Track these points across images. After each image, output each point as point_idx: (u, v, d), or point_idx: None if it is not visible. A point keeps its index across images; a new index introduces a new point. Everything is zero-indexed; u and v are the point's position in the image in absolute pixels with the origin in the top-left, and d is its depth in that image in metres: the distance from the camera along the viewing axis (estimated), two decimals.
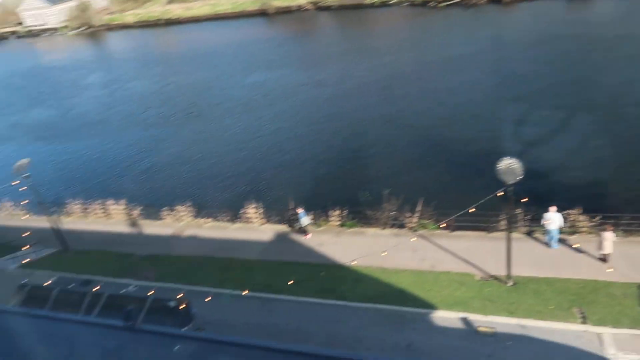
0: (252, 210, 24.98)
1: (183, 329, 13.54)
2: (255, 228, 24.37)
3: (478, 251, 19.26)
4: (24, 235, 24.81)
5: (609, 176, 25.84)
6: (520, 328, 14.85)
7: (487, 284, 17.32)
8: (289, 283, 18.41)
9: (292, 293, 18.13)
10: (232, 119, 44.42)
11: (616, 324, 14.56)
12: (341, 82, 49.69)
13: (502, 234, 18.73)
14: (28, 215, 28.77)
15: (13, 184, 24.25)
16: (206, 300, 17.54)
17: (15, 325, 11.33)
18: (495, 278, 17.48)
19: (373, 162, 31.87)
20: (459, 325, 15.41)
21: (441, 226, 21.14)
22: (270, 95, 49.22)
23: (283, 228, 23.83)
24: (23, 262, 23.55)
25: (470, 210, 18.54)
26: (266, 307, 17.62)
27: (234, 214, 25.43)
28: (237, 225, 24.99)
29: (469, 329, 15.15)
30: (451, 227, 21.16)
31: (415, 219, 22.19)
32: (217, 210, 26.07)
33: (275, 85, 52.43)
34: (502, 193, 15.62)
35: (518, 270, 17.18)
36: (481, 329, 14.98)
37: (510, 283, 17.01)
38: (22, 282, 17.90)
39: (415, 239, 20.75)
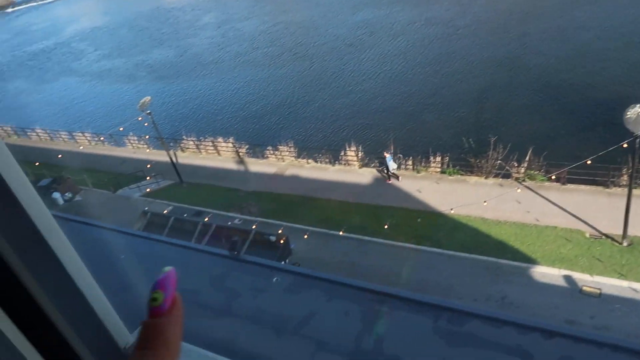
0: (352, 153, 25.17)
1: (281, 262, 14.40)
2: (354, 171, 24.60)
3: (591, 207, 17.81)
4: (147, 167, 27.44)
5: None
6: (631, 292, 13.76)
7: (597, 242, 16.10)
8: (384, 226, 18.58)
9: (388, 237, 18.31)
10: (337, 60, 44.08)
11: None
12: (453, 20, 46.72)
13: (622, 190, 17.13)
14: (149, 149, 31.68)
15: (138, 119, 26.71)
16: (304, 237, 18.37)
17: (139, 246, 12.82)
18: (608, 237, 16.15)
19: (481, 106, 30.11)
20: (561, 282, 14.65)
21: (551, 178, 19.73)
22: (376, 35, 47.87)
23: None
24: (145, 191, 26.22)
25: (587, 162, 17.02)
26: (361, 248, 18.06)
27: (334, 156, 25.82)
28: (337, 167, 25.38)
29: (572, 288, 14.35)
30: (562, 180, 19.67)
31: (522, 169, 20.92)
32: (318, 152, 26.65)
33: (382, 23, 50.76)
34: (627, 144, 14.13)
35: (636, 231, 15.70)
36: (586, 288, 14.12)
37: (626, 243, 15.63)
38: (144, 209, 20.04)
39: (521, 190, 19.64)
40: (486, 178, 21.43)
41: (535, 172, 20.67)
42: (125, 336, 1.16)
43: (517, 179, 20.74)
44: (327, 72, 42.01)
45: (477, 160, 21.74)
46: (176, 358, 0.81)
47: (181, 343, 0.82)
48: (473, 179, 21.59)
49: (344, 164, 25.37)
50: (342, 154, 25.44)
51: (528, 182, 20.32)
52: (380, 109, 33.16)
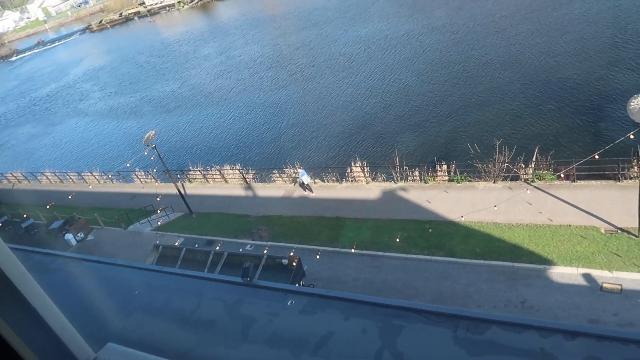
0: (358, 169, 25.18)
1: (295, 285, 14.30)
2: (362, 187, 24.58)
3: (604, 202, 17.59)
4: (157, 199, 27.62)
5: None
6: None
7: (614, 237, 15.85)
8: (396, 240, 18.46)
9: (400, 250, 18.18)
10: (336, 77, 44.48)
11: None
12: (446, 26, 47.11)
13: (634, 182, 16.92)
14: (157, 183, 31.94)
15: (144, 154, 27.00)
16: (316, 257, 18.28)
17: (152, 280, 12.82)
18: (624, 231, 15.91)
19: (483, 110, 30.13)
20: (581, 281, 14.39)
21: (560, 176, 19.54)
22: (372, 49, 48.39)
23: (389, 185, 23.76)
24: (156, 225, 26.34)
25: (595, 157, 16.86)
26: (374, 264, 17.92)
27: (341, 174, 25.85)
28: (345, 184, 25.39)
29: (592, 286, 14.09)
30: (572, 177, 19.48)
31: (530, 170, 20.78)
32: (324, 171, 26.70)
33: (376, 37, 51.34)
34: (634, 136, 13.98)
35: None
36: (606, 285, 13.86)
37: None
38: (156, 243, 20.10)
39: (530, 191, 19.47)
40: (495, 182, 21.30)
41: (544, 172, 20.52)
42: (87, 353, 1.19)
43: (525, 181, 20.59)
44: (326, 90, 42.37)
45: (484, 165, 21.63)
46: None
47: None
48: (482, 184, 21.47)
49: (352, 181, 25.37)
50: (349, 170, 25.47)
51: (537, 183, 20.16)
52: (382, 123, 33.26)
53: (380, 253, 18.42)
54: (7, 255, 0.96)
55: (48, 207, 30.61)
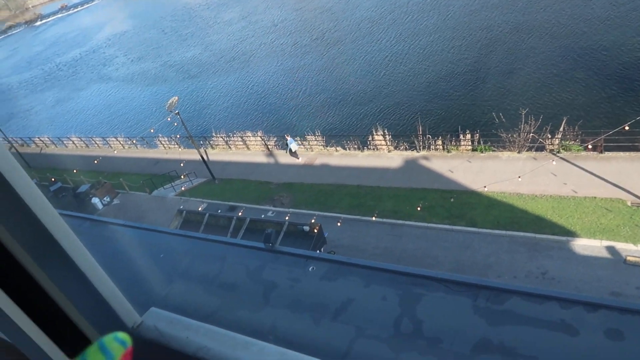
0: (380, 138, 25.00)
1: (316, 252, 14.50)
2: (384, 155, 24.43)
3: (632, 174, 17.16)
4: (180, 165, 28.02)
5: None
6: None
7: None
8: (417, 209, 18.43)
9: (421, 219, 18.16)
10: (361, 43, 43.66)
11: None
12: None
13: None
14: (180, 148, 32.30)
15: (167, 119, 27.24)
16: (337, 224, 18.42)
17: (177, 244, 13.16)
18: None
19: (509, 78, 29.34)
20: (604, 254, 14.23)
21: (588, 147, 19.10)
22: (400, 12, 47.18)
23: (412, 154, 23.57)
24: (180, 190, 26.79)
25: (625, 128, 16.39)
26: (395, 232, 17.97)
27: (363, 142, 25.72)
28: (366, 153, 25.26)
29: (615, 259, 13.92)
30: (599, 148, 19.00)
31: (556, 140, 20.32)
32: (346, 139, 26.59)
33: (404, 0, 49.98)
34: None
35: None
36: (630, 258, 13.68)
37: None
38: (180, 208, 20.48)
39: (556, 162, 19.08)
40: (519, 152, 20.92)
41: (571, 143, 20.06)
42: (134, 317, 1.24)
43: (551, 151, 20.18)
44: (349, 56, 41.71)
45: (509, 135, 21.23)
46: None
47: None
48: (505, 154, 21.12)
49: (373, 149, 25.23)
50: (371, 139, 25.30)
51: (563, 154, 19.74)
52: (405, 90, 32.73)
53: (401, 222, 18.44)
54: (58, 221, 0.99)
55: (75, 171, 31.33)
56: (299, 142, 27.15)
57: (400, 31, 42.85)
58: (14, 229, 0.94)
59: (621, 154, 18.59)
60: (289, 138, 26.11)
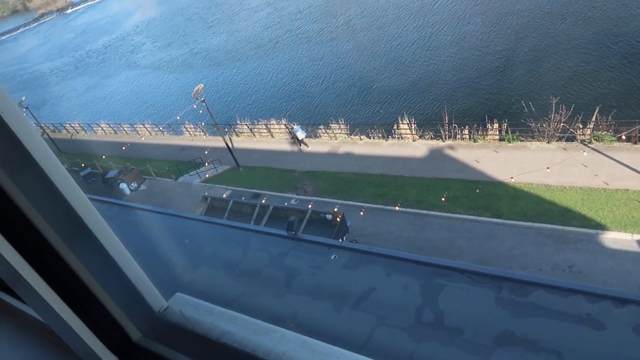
0: (405, 127, 24.75)
1: (339, 240, 14.54)
2: (408, 144, 24.22)
3: None
4: (205, 153, 28.35)
5: None
6: None
7: None
8: (441, 199, 18.26)
9: (445, 209, 17.99)
10: (384, 29, 43.16)
11: None
12: None
13: None
14: (206, 136, 32.65)
15: (193, 107, 27.55)
16: (360, 213, 18.40)
17: (201, 230, 13.37)
18: None
19: (540, 66, 28.59)
20: (635, 248, 13.86)
21: (621, 138, 18.55)
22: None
23: (437, 143, 23.30)
24: (205, 177, 27.14)
25: None
26: (418, 222, 17.86)
27: (388, 131, 25.51)
28: (391, 141, 25.07)
29: None
30: (634, 139, 18.43)
31: (588, 131, 19.78)
32: (370, 127, 26.42)
33: None
34: None
35: None
36: None
37: None
38: (204, 194, 20.77)
39: (587, 153, 18.61)
40: (549, 143, 20.46)
41: (603, 133, 19.49)
42: (160, 301, 1.28)
43: (582, 142, 19.66)
44: (375, 43, 41.27)
45: (538, 125, 20.76)
46: None
47: None
48: (534, 144, 20.68)
49: (398, 138, 25.02)
50: (395, 127, 25.08)
51: (595, 144, 19.21)
52: (432, 78, 32.28)
53: (424, 211, 18.30)
54: (88, 206, 1.03)
55: (104, 157, 32.02)
56: (307, 130, 27.02)
57: (428, 17, 42.15)
58: (48, 214, 0.97)
59: None
60: (295, 126, 26.27)
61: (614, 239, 14.47)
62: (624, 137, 18.38)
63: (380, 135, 25.60)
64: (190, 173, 28.19)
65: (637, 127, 17.60)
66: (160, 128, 36.84)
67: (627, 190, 16.22)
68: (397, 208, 18.70)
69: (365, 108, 31.68)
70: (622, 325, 7.17)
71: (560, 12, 33.67)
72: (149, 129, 37.43)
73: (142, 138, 36.05)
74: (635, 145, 18.34)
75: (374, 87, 33.86)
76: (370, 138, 25.96)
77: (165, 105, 45.77)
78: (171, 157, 31.35)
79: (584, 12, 32.75)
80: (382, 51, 39.24)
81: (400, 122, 24.97)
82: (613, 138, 19.00)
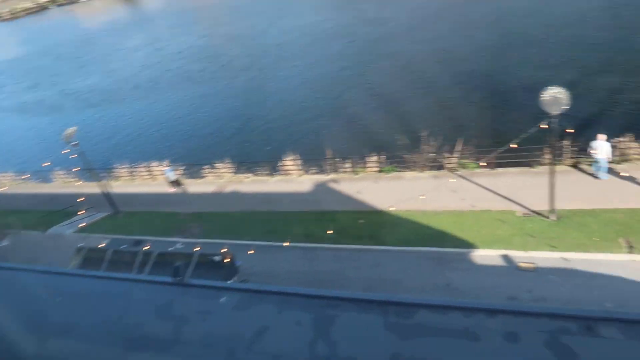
0: (290, 162, 25.21)
1: (228, 282, 14.14)
2: (294, 180, 24.66)
3: (520, 187, 18.84)
4: (78, 200, 26.18)
5: None
6: (563, 261, 14.66)
7: (528, 220, 17.03)
8: (328, 232, 18.72)
9: (332, 241, 18.45)
10: (265, 70, 44.14)
11: None
12: (381, 21, 48.10)
13: (546, 168, 18.18)
14: (80, 182, 30.25)
15: (63, 152, 25.46)
16: (249, 252, 18.15)
17: (75, 285, 12.17)
18: (538, 213, 17.13)
19: (412, 102, 31.18)
20: (500, 262, 15.35)
21: (481, 164, 20.71)
22: (305, 39, 48.47)
23: (321, 178, 24.01)
24: (79, 226, 24.97)
25: (511, 146, 18.03)
26: (307, 256, 18.06)
27: (273, 168, 25.77)
28: (277, 178, 25.35)
29: (510, 266, 15.08)
30: (492, 165, 20.68)
31: (454, 159, 21.80)
32: (256, 165, 26.49)
33: (310, 27, 51.46)
34: (546, 125, 15.03)
35: (563, 204, 16.74)
36: (522, 264, 14.88)
37: (553, 217, 16.64)
38: (79, 245, 19.06)
39: (455, 179, 20.46)
40: (422, 172, 22.15)
41: (467, 161, 21.62)
42: None
43: (450, 169, 21.59)
44: (257, 83, 41.96)
45: (412, 156, 22.44)
46: None
47: None
48: (409, 174, 22.26)
49: (284, 174, 25.37)
50: (281, 164, 25.44)
51: (461, 171, 21.22)
52: (314, 115, 33.51)
53: (313, 245, 18.59)
54: None
55: None
56: (176, 171, 26.80)
57: (310, 57, 43.97)
58: None
59: (511, 169, 20.41)
60: (165, 168, 26.16)
61: (482, 255, 15.91)
62: (484, 164, 20.54)
63: (266, 172, 25.77)
64: (61, 224, 25.77)
65: (494, 154, 19.77)
66: (26, 176, 33.41)
67: (490, 210, 18.04)
68: (286, 244, 18.78)
69: (251, 146, 31.79)
70: (494, 334, 7.78)
71: (427, 56, 37.24)
72: (12, 177, 33.74)
73: (5, 188, 32.38)
74: (493, 171, 20.60)
75: (258, 125, 34.20)
76: (256, 176, 25.99)
77: (33, 151, 41.75)
78: (40, 207, 28.47)
79: (448, 55, 36.57)
80: (265, 90, 40.01)
81: (285, 159, 25.40)
82: (475, 165, 21.16)
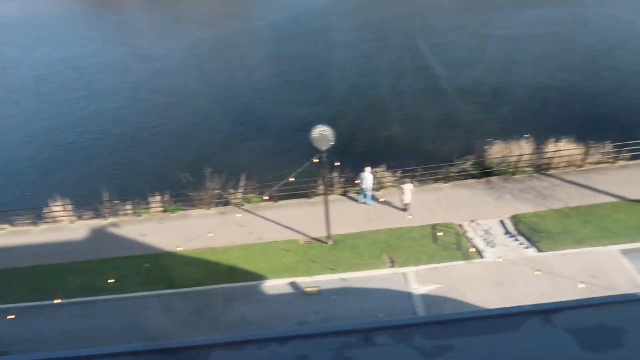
0: (59, 208, 22.31)
1: None
2: (65, 227, 21.86)
3: (300, 217, 20.25)
4: None
5: (405, 135, 29.25)
6: (341, 281, 16.22)
7: (310, 246, 18.41)
8: (109, 281, 17.04)
9: (115, 291, 16.85)
10: (23, 105, 38.71)
11: (416, 262, 16.88)
12: (155, 57, 46.82)
13: (321, 198, 19.96)
14: None
15: None
16: (10, 318, 15.29)
17: None
18: (318, 240, 18.66)
19: (191, 141, 30.97)
20: (288, 289, 16.16)
21: (265, 198, 21.62)
22: (81, 72, 44.16)
23: (99, 223, 21.84)
24: None
25: (290, 179, 19.26)
26: (86, 312, 16.09)
27: (37, 215, 22.40)
28: (43, 227, 22.12)
29: (297, 292, 15.99)
30: (274, 198, 21.80)
31: (239, 195, 22.29)
32: (13, 214, 22.63)
33: (82, 59, 47.17)
34: (317, 159, 16.52)
35: (337, 230, 18.58)
36: (307, 289, 15.93)
37: (330, 242, 18.34)
38: None
39: (241, 214, 20.91)
40: (208, 209, 22.02)
41: (251, 195, 22.33)
42: None
43: (236, 205, 21.99)
44: (9, 121, 36.36)
45: (197, 193, 22.15)
46: None
47: None
48: (196, 212, 21.90)
49: (52, 222, 22.27)
50: (47, 210, 22.27)
51: (246, 206, 21.79)
52: (87, 155, 30.53)
53: (92, 298, 16.67)
54: None
55: None
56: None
57: (78, 92, 40.11)
58: None
59: (291, 201, 21.81)
60: None
61: (272, 285, 16.52)
62: (266, 197, 21.52)
63: (28, 221, 22.23)
64: None
65: (275, 188, 20.91)
66: None
67: (276, 241, 18.93)
68: (57, 301, 16.38)
69: (7, 192, 27.16)
70: None
71: (204, 95, 37.58)
72: None
73: None
74: (276, 203, 21.73)
75: (18, 168, 29.58)
76: (14, 226, 22.22)
77: None
78: None
79: (224, 96, 37.54)
80: (14, 130, 34.92)
81: (52, 204, 22.37)
82: (259, 199, 22.01)
